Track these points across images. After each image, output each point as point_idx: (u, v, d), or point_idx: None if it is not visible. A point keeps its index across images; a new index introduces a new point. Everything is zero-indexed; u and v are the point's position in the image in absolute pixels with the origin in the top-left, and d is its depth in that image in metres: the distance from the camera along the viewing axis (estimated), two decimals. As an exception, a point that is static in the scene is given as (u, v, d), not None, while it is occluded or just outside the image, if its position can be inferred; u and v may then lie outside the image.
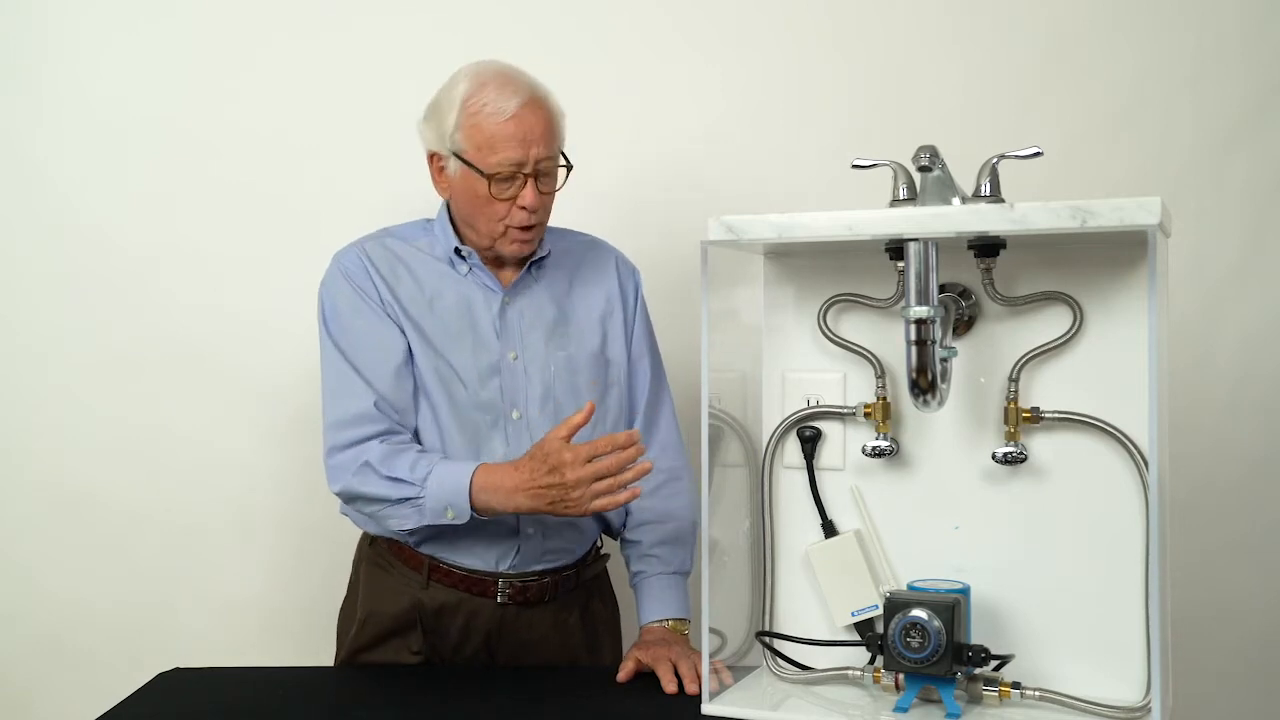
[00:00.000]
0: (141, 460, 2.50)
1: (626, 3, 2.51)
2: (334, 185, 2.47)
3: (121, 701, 1.67)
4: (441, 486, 1.69)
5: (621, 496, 1.62)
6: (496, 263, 1.87)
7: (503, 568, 1.84)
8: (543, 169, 1.77)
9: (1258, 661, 2.50)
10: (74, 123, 2.49)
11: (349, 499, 1.78)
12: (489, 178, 1.74)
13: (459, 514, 1.69)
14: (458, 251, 1.85)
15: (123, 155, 2.49)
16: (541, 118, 1.76)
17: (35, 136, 2.49)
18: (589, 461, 1.59)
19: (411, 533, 1.78)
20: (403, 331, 1.80)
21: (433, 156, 1.83)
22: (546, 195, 1.79)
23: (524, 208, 1.76)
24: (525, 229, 1.79)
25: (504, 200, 1.76)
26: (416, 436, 1.80)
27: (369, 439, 1.75)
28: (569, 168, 1.82)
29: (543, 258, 1.88)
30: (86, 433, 2.50)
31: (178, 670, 1.82)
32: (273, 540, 2.52)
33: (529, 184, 1.76)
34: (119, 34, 2.49)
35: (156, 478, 2.51)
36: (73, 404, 2.50)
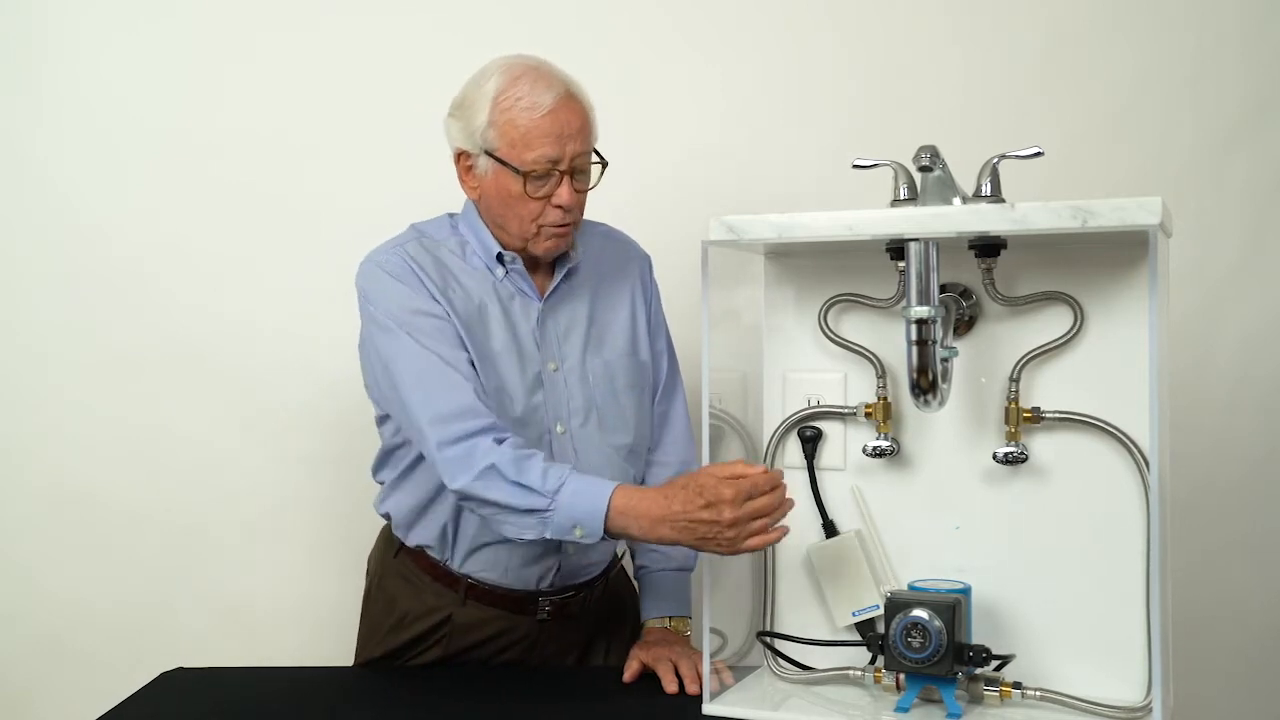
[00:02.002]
0: (141, 460, 2.50)
1: (626, 3, 2.51)
2: (334, 185, 2.47)
3: (122, 701, 1.67)
4: (575, 503, 1.57)
5: (774, 535, 1.51)
6: (532, 265, 1.79)
7: (543, 586, 1.82)
8: (578, 166, 1.70)
9: (1258, 661, 2.50)
10: (74, 123, 2.49)
11: (465, 499, 1.64)
12: (524, 175, 1.67)
13: (589, 534, 1.57)
14: (499, 257, 1.77)
15: (122, 155, 2.49)
16: (578, 113, 1.70)
17: (35, 136, 2.49)
18: (748, 499, 1.49)
19: (532, 542, 1.68)
20: (461, 336, 1.70)
21: (460, 155, 1.75)
22: (582, 193, 1.73)
23: (559, 206, 1.69)
24: (560, 226, 1.72)
25: (538, 199, 1.69)
26: None
27: (478, 433, 1.61)
28: (604, 164, 1.75)
29: (575, 265, 1.82)
30: (86, 433, 2.50)
31: (179, 670, 1.82)
32: (273, 540, 2.52)
33: (565, 182, 1.69)
34: (119, 34, 2.49)
35: (156, 478, 2.50)
36: (73, 404, 2.50)
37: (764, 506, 1.50)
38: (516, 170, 1.67)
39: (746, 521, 1.49)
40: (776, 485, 1.51)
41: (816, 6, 2.50)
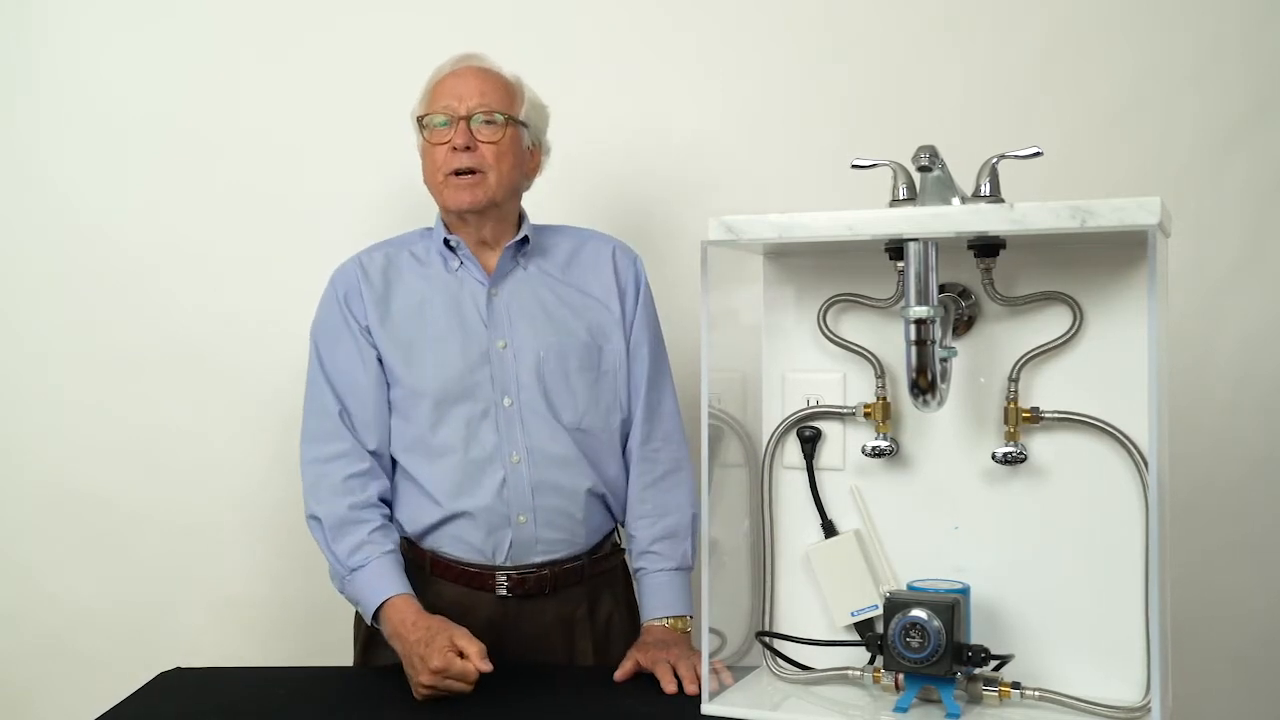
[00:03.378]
0: (141, 460, 2.50)
1: (626, 3, 2.51)
2: (334, 185, 2.47)
3: (122, 701, 1.67)
4: (361, 587, 1.80)
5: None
6: (484, 249, 1.92)
7: (499, 560, 1.85)
8: (477, 114, 1.85)
9: (1258, 661, 2.50)
10: (74, 123, 2.49)
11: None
12: (420, 120, 1.88)
13: (364, 614, 1.81)
14: (447, 243, 1.89)
15: (123, 155, 2.49)
16: (477, 75, 1.88)
17: (35, 136, 2.49)
18: (448, 678, 1.65)
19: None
20: (374, 344, 1.87)
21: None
22: (486, 144, 1.85)
23: (454, 147, 1.84)
24: (460, 175, 1.84)
25: (439, 145, 1.85)
26: (387, 453, 1.89)
27: (333, 458, 1.86)
28: (516, 128, 1.88)
29: (522, 241, 1.91)
30: (86, 433, 2.50)
31: (178, 670, 1.82)
32: (273, 539, 2.52)
33: (459, 125, 1.84)
34: (119, 34, 2.49)
35: (156, 478, 2.50)
36: (73, 404, 2.50)
37: (450, 689, 1.66)
38: (421, 123, 1.89)
39: (431, 689, 1.66)
40: (472, 682, 1.66)
41: (816, 7, 2.49)
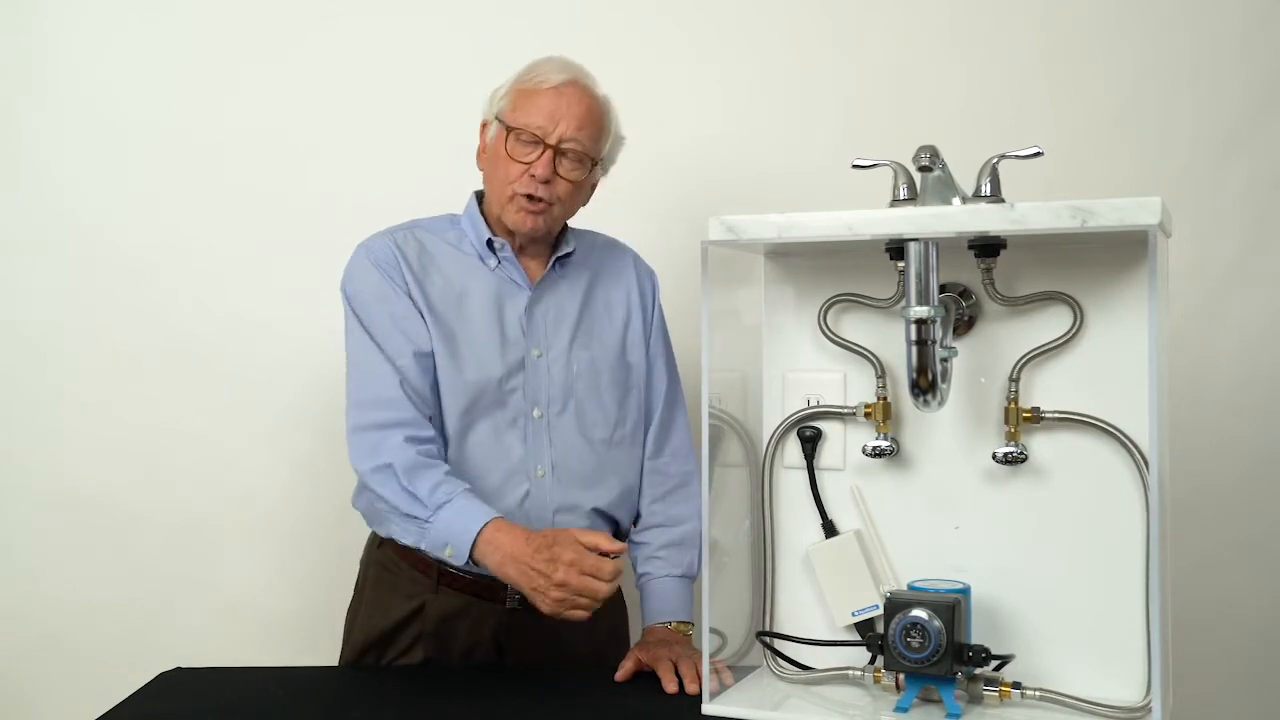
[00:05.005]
0: (141, 460, 2.50)
1: (626, 3, 2.51)
2: (334, 185, 2.47)
3: (121, 701, 1.67)
4: (450, 525, 1.66)
5: (584, 614, 1.61)
6: (526, 256, 1.87)
7: None
8: (566, 149, 1.78)
9: (1258, 661, 2.50)
10: (74, 123, 2.49)
11: (364, 486, 1.78)
12: (509, 130, 1.78)
13: (457, 555, 1.66)
14: (490, 244, 1.85)
15: (123, 155, 2.49)
16: (581, 103, 1.79)
17: (35, 137, 2.50)
18: (583, 572, 1.57)
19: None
20: (427, 325, 1.79)
21: (482, 126, 1.86)
22: (564, 180, 1.80)
23: (533, 175, 1.77)
24: (531, 201, 1.79)
25: (518, 162, 1.78)
26: (437, 426, 1.78)
27: (392, 425, 1.72)
28: (596, 166, 1.84)
29: (568, 254, 1.89)
30: (86, 433, 2.50)
31: (178, 670, 1.82)
32: (273, 539, 2.53)
33: (546, 155, 1.77)
34: (118, 34, 2.49)
35: (156, 478, 2.51)
36: (73, 404, 2.50)
37: (592, 589, 1.58)
38: (508, 127, 1.79)
39: (574, 590, 1.57)
40: (615, 575, 1.58)
41: (816, 6, 2.50)
